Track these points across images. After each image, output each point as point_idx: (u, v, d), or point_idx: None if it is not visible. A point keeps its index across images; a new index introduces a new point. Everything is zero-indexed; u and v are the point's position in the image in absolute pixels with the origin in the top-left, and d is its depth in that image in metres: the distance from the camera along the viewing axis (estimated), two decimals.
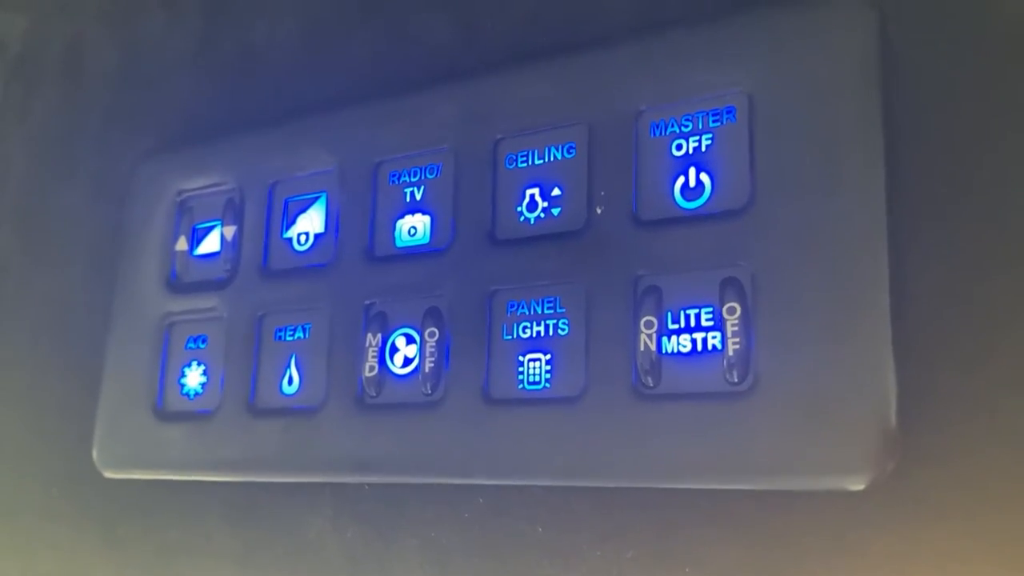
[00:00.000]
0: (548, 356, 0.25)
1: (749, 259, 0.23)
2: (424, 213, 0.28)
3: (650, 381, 0.23)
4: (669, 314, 0.24)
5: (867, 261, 0.21)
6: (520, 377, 0.25)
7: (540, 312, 0.26)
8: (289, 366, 0.30)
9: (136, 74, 0.38)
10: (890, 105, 0.22)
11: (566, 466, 0.24)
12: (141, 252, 0.34)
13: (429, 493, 0.28)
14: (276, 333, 0.30)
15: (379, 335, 0.28)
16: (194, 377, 0.32)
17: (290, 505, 0.30)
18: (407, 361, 0.28)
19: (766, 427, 0.22)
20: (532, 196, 0.26)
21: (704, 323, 0.23)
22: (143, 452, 0.32)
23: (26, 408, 0.38)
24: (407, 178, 0.29)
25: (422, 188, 0.29)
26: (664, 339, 0.24)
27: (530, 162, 0.27)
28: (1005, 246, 0.21)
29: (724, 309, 0.23)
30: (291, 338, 0.30)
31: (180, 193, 0.33)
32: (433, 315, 0.27)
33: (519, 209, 0.27)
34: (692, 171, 0.24)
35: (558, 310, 0.25)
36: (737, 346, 0.22)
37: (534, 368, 0.25)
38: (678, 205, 0.24)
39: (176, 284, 0.33)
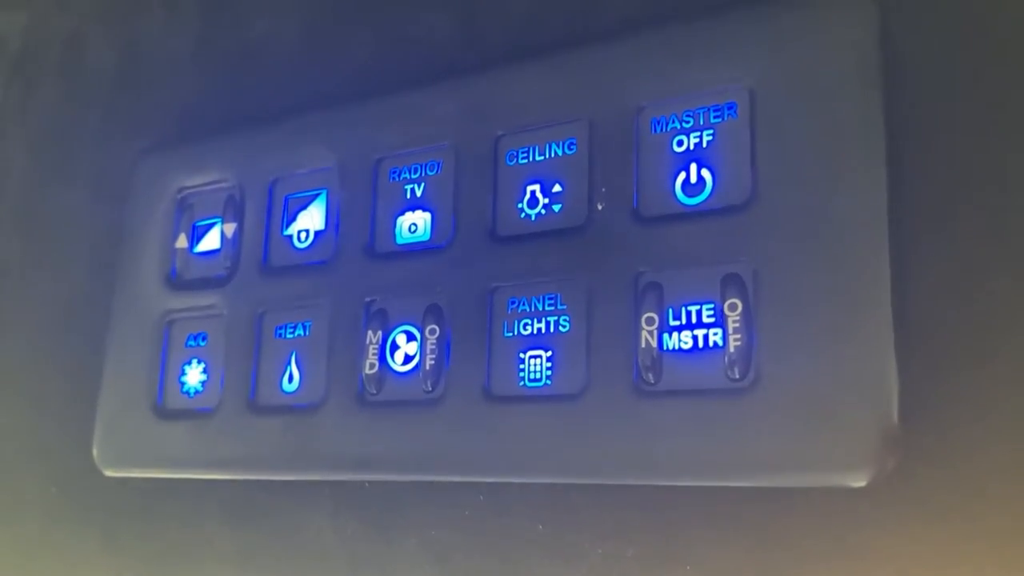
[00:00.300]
0: (549, 353, 0.25)
1: (750, 255, 0.23)
2: (425, 210, 0.28)
3: (651, 378, 0.23)
4: (670, 310, 0.24)
5: (869, 257, 0.21)
6: (521, 374, 0.25)
7: (541, 309, 0.26)
8: (289, 364, 0.30)
9: (136, 71, 0.38)
10: (891, 101, 0.22)
11: (567, 463, 0.24)
12: (141, 249, 0.34)
13: (430, 491, 0.28)
14: (276, 330, 0.30)
15: (380, 332, 0.28)
16: (194, 375, 0.32)
17: (290, 503, 0.30)
18: (408, 358, 0.27)
19: (767, 424, 0.22)
20: (533, 192, 0.26)
21: (705, 320, 0.23)
22: (143, 450, 0.32)
23: (26, 406, 0.38)
24: (407, 175, 0.29)
25: (422, 185, 0.28)
26: (665, 336, 0.24)
27: (531, 158, 0.27)
28: (1008, 243, 0.21)
29: (725, 305, 0.23)
30: (291, 335, 0.30)
31: (180, 190, 0.33)
32: (434, 312, 0.27)
33: (520, 206, 0.27)
34: (693, 167, 0.24)
35: (559, 307, 0.25)
36: (738, 343, 0.22)
37: (535, 365, 0.25)
38: (679, 201, 0.24)
39: (176, 281, 0.33)
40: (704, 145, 0.24)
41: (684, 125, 0.25)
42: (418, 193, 0.29)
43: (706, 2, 0.25)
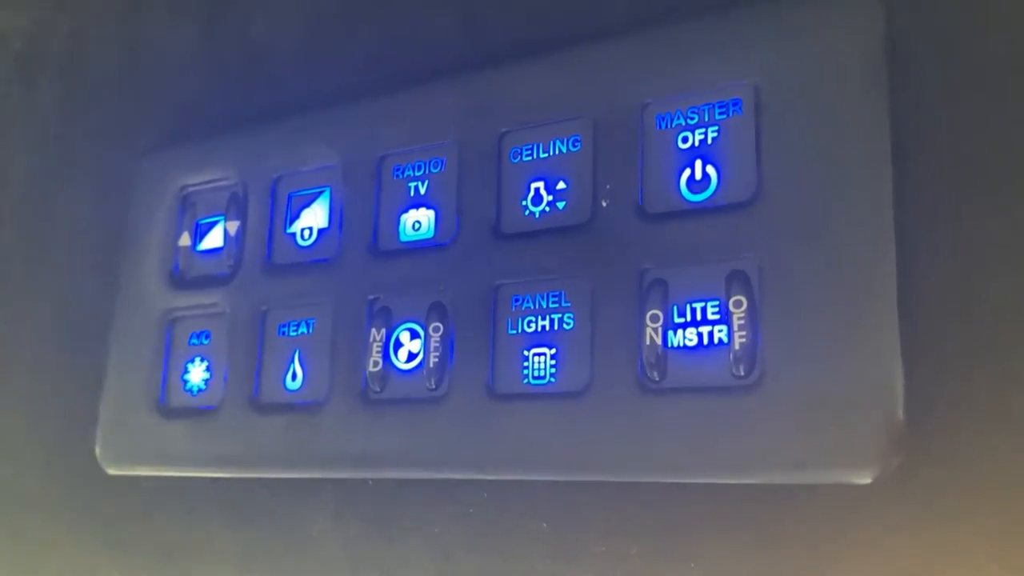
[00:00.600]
0: (553, 351, 0.25)
1: (755, 252, 0.23)
2: (428, 207, 0.28)
3: (656, 375, 0.23)
4: (675, 308, 0.24)
5: (874, 254, 0.21)
6: (525, 372, 0.25)
7: (545, 306, 0.26)
8: (293, 361, 0.30)
9: (138, 70, 0.38)
10: (897, 98, 0.22)
11: (571, 461, 0.24)
12: (144, 248, 0.34)
13: (433, 488, 0.27)
14: (279, 328, 0.30)
15: (383, 330, 0.28)
16: (197, 373, 0.32)
17: (293, 501, 0.30)
18: (411, 356, 0.27)
19: (772, 421, 0.22)
20: (537, 190, 0.26)
21: (710, 316, 0.23)
22: (146, 449, 0.32)
23: (29, 405, 0.38)
24: (411, 172, 0.29)
25: (426, 182, 0.28)
26: (670, 333, 0.23)
27: (535, 155, 0.27)
28: (1014, 241, 0.21)
29: (731, 302, 0.23)
30: (295, 333, 0.30)
31: (183, 188, 0.33)
32: (437, 310, 0.27)
33: (524, 203, 0.26)
34: (698, 164, 0.24)
35: (563, 304, 0.25)
36: (743, 339, 0.22)
37: (539, 363, 0.25)
38: (684, 198, 0.24)
39: (179, 279, 0.33)
40: (709, 142, 0.24)
41: (689, 122, 0.24)
42: (422, 191, 0.28)
43: (710, 1, 0.25)
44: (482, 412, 0.26)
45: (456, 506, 0.27)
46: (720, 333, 0.23)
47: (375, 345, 0.28)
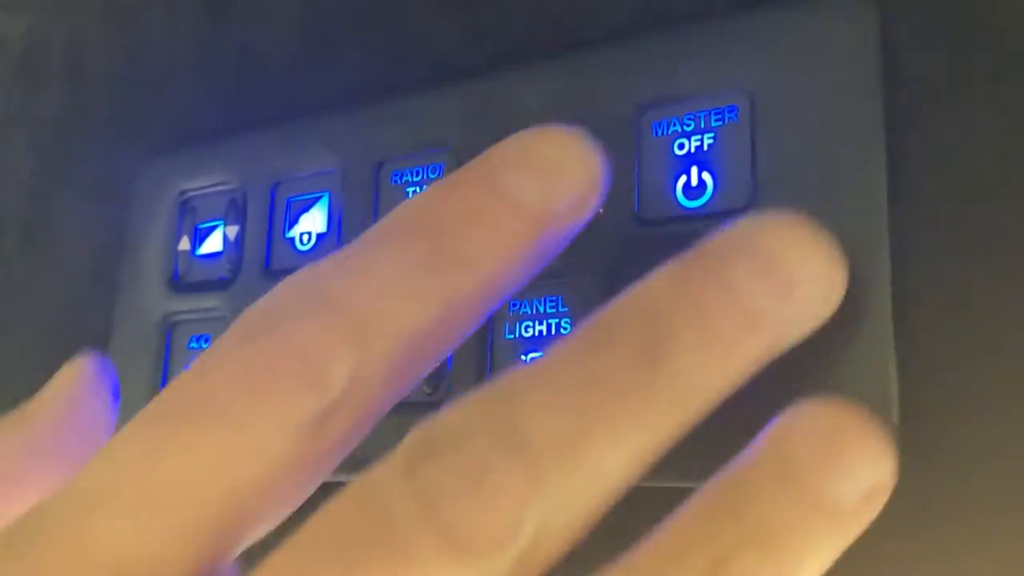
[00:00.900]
0: None
1: None
2: None
3: None
4: None
5: (869, 258, 0.21)
6: None
7: (542, 311, 0.26)
8: None
9: (138, 75, 0.38)
10: (891, 104, 0.22)
11: None
12: (143, 252, 0.34)
13: None
14: None
15: None
16: None
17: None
18: None
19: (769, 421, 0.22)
20: None
21: None
22: None
23: None
24: (410, 178, 0.29)
25: (424, 188, 0.29)
26: None
27: None
28: (1008, 243, 0.21)
29: None
30: None
31: (183, 193, 0.34)
32: None
33: None
34: (694, 170, 0.24)
35: (560, 309, 0.25)
36: None
37: None
38: (680, 204, 0.24)
39: (178, 284, 0.33)
40: (705, 148, 0.24)
41: (685, 128, 0.25)
42: None
43: (706, 6, 0.25)
44: None
45: None
46: None
47: None
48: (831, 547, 0.17)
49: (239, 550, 0.17)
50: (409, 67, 0.31)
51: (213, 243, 0.33)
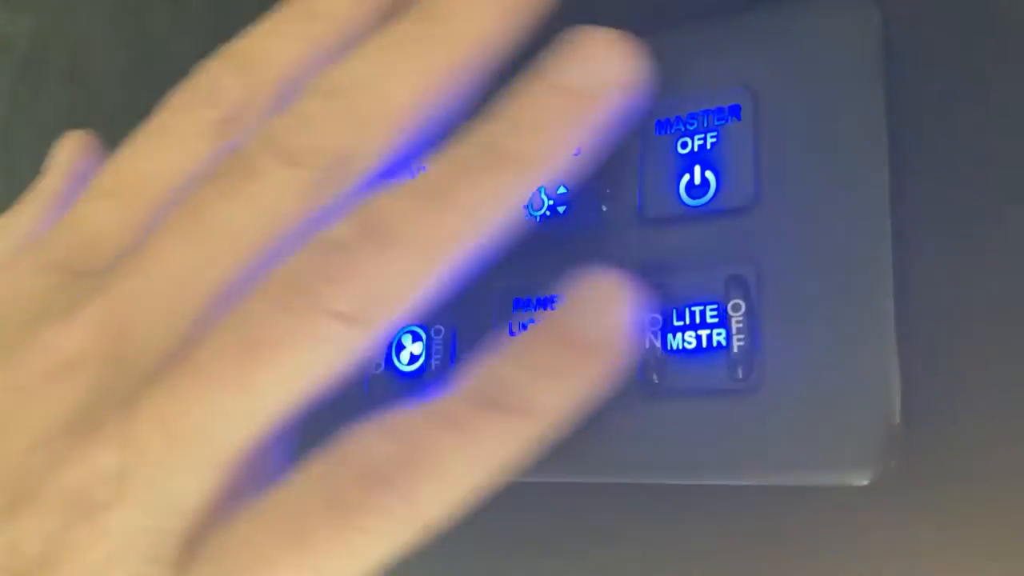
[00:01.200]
0: None
1: (754, 256, 0.23)
2: None
3: (655, 378, 0.24)
4: (674, 311, 0.24)
5: (871, 257, 0.21)
6: None
7: (545, 311, 0.26)
8: None
9: (143, 73, 0.39)
10: (894, 102, 0.22)
11: (570, 463, 0.24)
12: None
13: None
14: None
15: None
16: None
17: None
18: (413, 358, 0.28)
19: (770, 423, 0.22)
20: (537, 194, 0.27)
21: (709, 320, 0.23)
22: None
23: None
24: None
25: None
26: (669, 336, 0.24)
27: None
28: (1010, 243, 0.21)
29: (729, 306, 0.23)
30: None
31: None
32: (438, 313, 0.27)
33: (525, 207, 0.27)
34: (697, 169, 0.24)
35: None
36: (742, 343, 0.22)
37: None
38: (683, 203, 0.24)
39: None
40: (708, 147, 0.24)
41: (688, 127, 0.25)
42: None
43: (709, 5, 0.25)
44: None
45: None
46: (719, 336, 0.23)
47: None
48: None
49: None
50: None
51: None
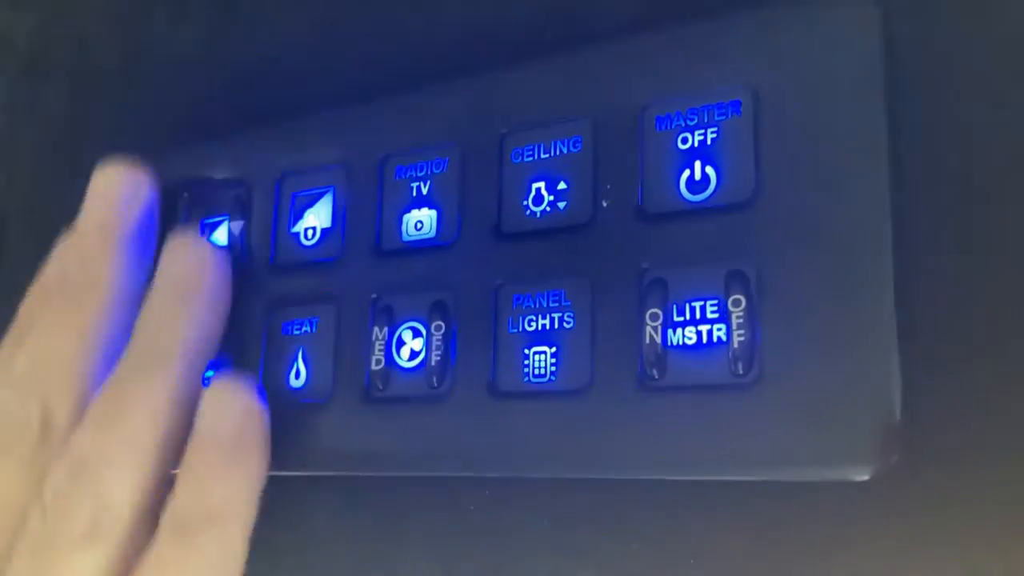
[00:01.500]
0: (554, 349, 0.25)
1: (754, 252, 0.23)
2: (430, 207, 0.28)
3: (655, 373, 0.24)
4: (674, 307, 0.24)
5: (872, 253, 0.21)
6: (526, 370, 0.26)
7: (546, 305, 0.26)
8: (296, 360, 0.30)
9: (143, 71, 0.39)
10: (894, 100, 0.22)
11: (572, 458, 0.24)
12: None
13: (435, 486, 0.28)
14: (283, 327, 0.30)
15: (386, 329, 0.28)
16: None
17: (295, 499, 0.30)
18: (414, 354, 0.28)
19: (771, 418, 0.22)
20: (538, 190, 0.27)
21: (709, 315, 0.23)
22: None
23: None
24: (413, 173, 0.29)
25: (428, 183, 0.29)
26: (669, 331, 0.24)
27: (536, 156, 0.27)
28: (1011, 241, 0.21)
29: (729, 301, 0.23)
30: (298, 332, 0.30)
31: (187, 188, 0.34)
32: (439, 309, 0.27)
33: (525, 203, 0.27)
34: (697, 164, 0.24)
35: (563, 303, 0.26)
36: (742, 338, 0.22)
37: (540, 361, 0.25)
38: (683, 198, 0.24)
39: None
40: (708, 143, 0.24)
41: (688, 123, 0.25)
42: (424, 191, 0.29)
43: (710, 2, 0.25)
44: (483, 410, 0.26)
45: (458, 503, 0.27)
46: (719, 332, 0.23)
47: (378, 343, 0.28)
48: None
49: None
50: (413, 63, 0.31)
51: (218, 238, 0.33)
